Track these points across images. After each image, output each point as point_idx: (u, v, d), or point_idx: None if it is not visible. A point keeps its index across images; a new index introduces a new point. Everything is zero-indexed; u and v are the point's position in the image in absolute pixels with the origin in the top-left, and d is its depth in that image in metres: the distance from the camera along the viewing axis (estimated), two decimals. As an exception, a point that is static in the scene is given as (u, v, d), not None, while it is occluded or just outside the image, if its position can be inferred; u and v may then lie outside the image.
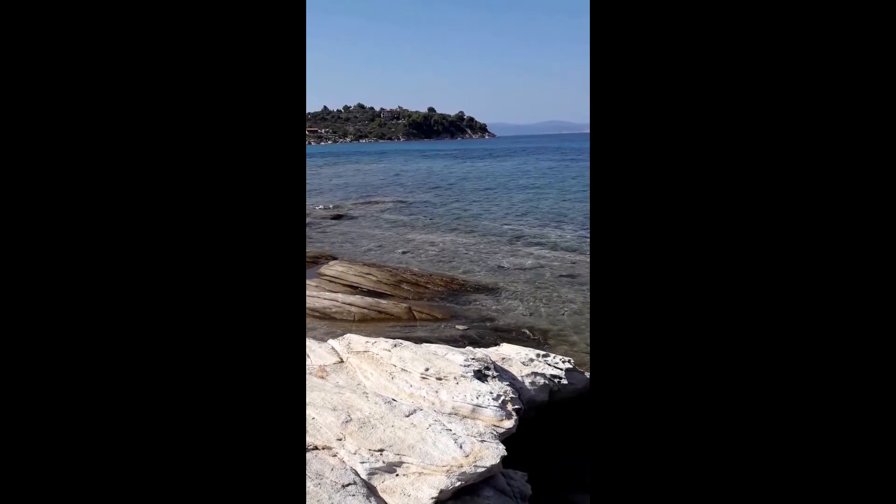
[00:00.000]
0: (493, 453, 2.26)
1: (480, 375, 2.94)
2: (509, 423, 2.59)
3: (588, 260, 7.63)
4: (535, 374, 3.33)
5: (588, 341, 4.67)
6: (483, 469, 2.18)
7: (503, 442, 2.43)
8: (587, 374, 3.81)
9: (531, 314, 5.42)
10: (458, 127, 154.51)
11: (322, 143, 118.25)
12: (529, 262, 7.56)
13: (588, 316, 5.28)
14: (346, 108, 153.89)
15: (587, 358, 4.34)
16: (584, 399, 3.68)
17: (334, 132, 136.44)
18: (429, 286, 6.53)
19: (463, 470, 2.13)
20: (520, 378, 3.23)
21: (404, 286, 6.52)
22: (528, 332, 4.93)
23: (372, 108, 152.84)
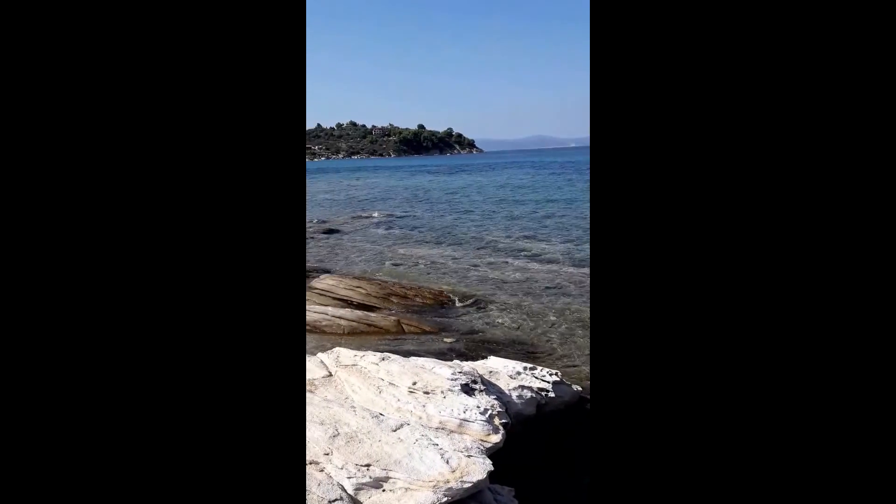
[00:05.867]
0: (479, 468, 2.26)
1: (467, 389, 2.94)
2: (496, 438, 2.60)
3: (573, 272, 7.67)
4: (523, 387, 3.34)
5: (574, 353, 4.69)
6: (469, 484, 2.17)
7: (490, 457, 2.43)
8: (575, 388, 3.82)
9: (518, 327, 5.43)
10: (447, 143, 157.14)
11: (315, 160, 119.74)
12: (517, 275, 7.58)
13: (573, 328, 5.30)
14: (339, 125, 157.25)
15: (574, 371, 4.35)
16: (573, 412, 3.68)
17: (327, 149, 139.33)
18: (417, 299, 6.52)
19: (449, 485, 2.13)
20: (507, 392, 3.23)
21: (393, 299, 6.50)
22: (515, 344, 4.94)
23: (364, 126, 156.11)
